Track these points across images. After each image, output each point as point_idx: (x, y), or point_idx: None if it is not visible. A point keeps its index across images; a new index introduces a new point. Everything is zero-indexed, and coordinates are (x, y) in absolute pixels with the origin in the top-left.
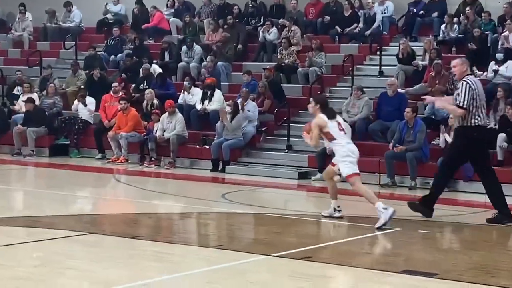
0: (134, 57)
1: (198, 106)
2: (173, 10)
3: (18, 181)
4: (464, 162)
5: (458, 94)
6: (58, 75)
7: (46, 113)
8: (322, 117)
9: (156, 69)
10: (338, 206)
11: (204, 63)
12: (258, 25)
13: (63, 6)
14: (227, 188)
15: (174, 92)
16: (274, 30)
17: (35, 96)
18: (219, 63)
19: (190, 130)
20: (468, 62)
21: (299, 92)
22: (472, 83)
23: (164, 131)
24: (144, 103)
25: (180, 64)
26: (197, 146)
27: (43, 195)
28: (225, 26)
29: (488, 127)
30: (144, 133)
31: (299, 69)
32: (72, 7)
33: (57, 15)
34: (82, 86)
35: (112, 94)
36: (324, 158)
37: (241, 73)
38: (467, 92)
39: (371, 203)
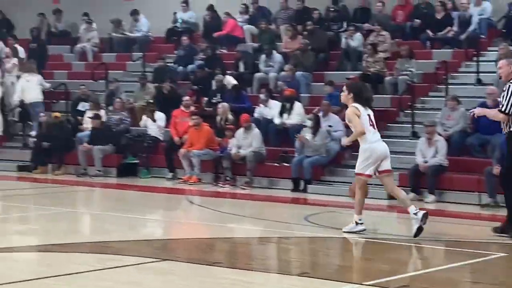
0: (206, 68)
1: (277, 120)
2: (247, 17)
3: (84, 203)
4: None
5: (503, 97)
6: (125, 89)
7: (113, 130)
8: (356, 107)
9: (230, 80)
10: (360, 219)
11: (282, 73)
12: (340, 30)
13: (129, 15)
14: (309, 210)
15: (250, 105)
16: (358, 35)
17: (101, 112)
18: (298, 73)
19: (268, 146)
20: None
21: (387, 103)
22: None
23: (240, 147)
24: (218, 118)
25: (256, 74)
26: (276, 164)
27: (111, 219)
28: (304, 33)
29: None
30: (218, 150)
31: (387, 78)
32: (139, 15)
33: (123, 24)
34: (151, 101)
35: (183, 108)
36: (417, 176)
37: (323, 84)
38: (510, 96)
39: (355, 211)
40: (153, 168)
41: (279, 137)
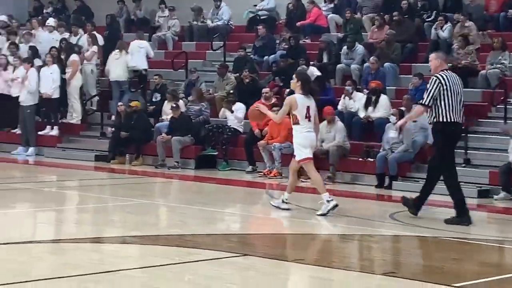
0: (289, 58)
1: (361, 114)
2: (332, 6)
3: (162, 195)
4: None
5: (426, 90)
6: (205, 79)
7: (192, 120)
8: (295, 98)
9: (313, 71)
10: (287, 199)
11: (367, 64)
12: (428, 20)
13: (212, 2)
14: (394, 207)
15: (334, 97)
16: (448, 26)
17: (181, 102)
18: (385, 64)
19: (352, 140)
20: (442, 56)
21: (478, 97)
22: (442, 78)
23: (323, 141)
24: None
25: (338, 66)
26: (360, 159)
27: (189, 211)
28: (392, 22)
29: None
30: None
31: (481, 72)
32: (220, 3)
33: (204, 12)
34: (231, 91)
35: (263, 100)
36: (508, 175)
37: (410, 76)
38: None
39: (318, 191)
40: (232, 160)
41: (363, 130)
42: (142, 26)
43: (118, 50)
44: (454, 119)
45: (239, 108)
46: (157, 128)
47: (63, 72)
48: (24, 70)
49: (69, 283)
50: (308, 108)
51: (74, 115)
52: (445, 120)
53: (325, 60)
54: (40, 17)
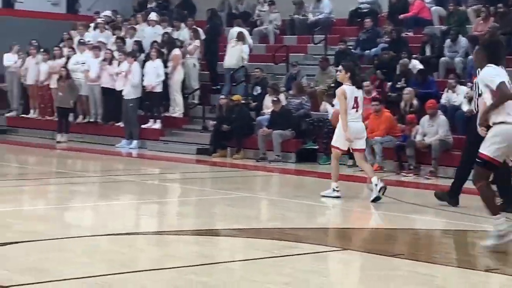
0: (391, 52)
1: (465, 107)
2: None
3: (263, 189)
4: None
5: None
6: (306, 73)
7: (293, 114)
8: (345, 89)
9: (416, 65)
10: (337, 187)
11: (470, 57)
12: None
13: None
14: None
15: (436, 91)
16: None
17: (281, 96)
18: None
19: (454, 134)
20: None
21: None
22: None
23: (425, 135)
24: (402, 104)
25: (442, 59)
26: None
27: (289, 205)
28: (496, 14)
29: None
30: (400, 138)
31: None
32: None
33: (305, 6)
34: (332, 85)
35: (364, 94)
36: None
37: None
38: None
39: (332, 178)
40: None
41: (466, 124)
42: (243, 20)
43: (236, 39)
44: None
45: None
46: (258, 121)
47: (165, 66)
48: (128, 64)
49: (170, 274)
50: (356, 98)
51: (177, 109)
52: None
53: (428, 53)
54: (143, 12)
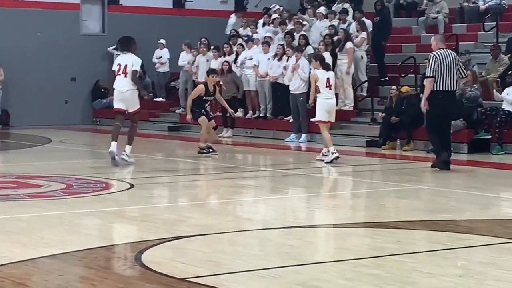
0: None
1: None
2: None
3: (433, 180)
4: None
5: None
6: (477, 61)
7: (465, 104)
8: (316, 73)
9: None
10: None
11: None
12: None
13: None
14: None
15: None
16: None
17: None
18: None
19: None
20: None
21: None
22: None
23: None
24: None
25: None
26: None
27: (462, 196)
28: None
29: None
30: None
31: None
32: None
33: None
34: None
35: None
36: None
37: None
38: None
39: (326, 146)
40: (507, 144)
41: None
42: (411, 10)
43: None
44: None
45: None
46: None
47: (334, 59)
48: (295, 58)
49: (342, 266)
50: (328, 79)
51: (347, 102)
52: None
53: None
54: (310, 7)
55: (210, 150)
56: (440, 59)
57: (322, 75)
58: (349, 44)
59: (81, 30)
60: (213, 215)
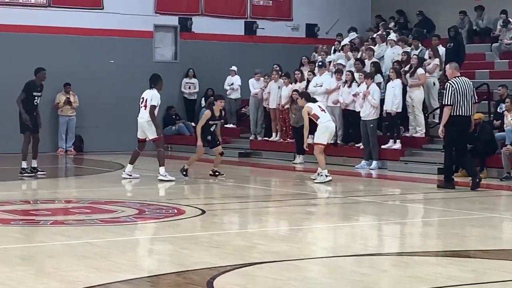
0: None
1: None
2: None
3: (508, 208)
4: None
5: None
6: None
7: None
8: (307, 106)
9: None
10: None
11: None
12: None
13: None
14: None
15: None
16: None
17: None
18: None
19: None
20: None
21: None
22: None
23: None
24: None
25: None
26: None
27: None
28: None
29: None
30: None
31: None
32: None
33: None
34: None
35: None
36: None
37: None
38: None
39: (320, 167)
40: None
41: None
42: (484, 36)
43: None
44: None
45: None
46: (499, 138)
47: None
48: (365, 85)
49: None
50: (319, 106)
51: (418, 129)
52: None
53: None
54: (381, 32)
55: (217, 173)
56: (456, 87)
57: (312, 105)
58: (420, 70)
59: (154, 57)
60: (283, 241)
